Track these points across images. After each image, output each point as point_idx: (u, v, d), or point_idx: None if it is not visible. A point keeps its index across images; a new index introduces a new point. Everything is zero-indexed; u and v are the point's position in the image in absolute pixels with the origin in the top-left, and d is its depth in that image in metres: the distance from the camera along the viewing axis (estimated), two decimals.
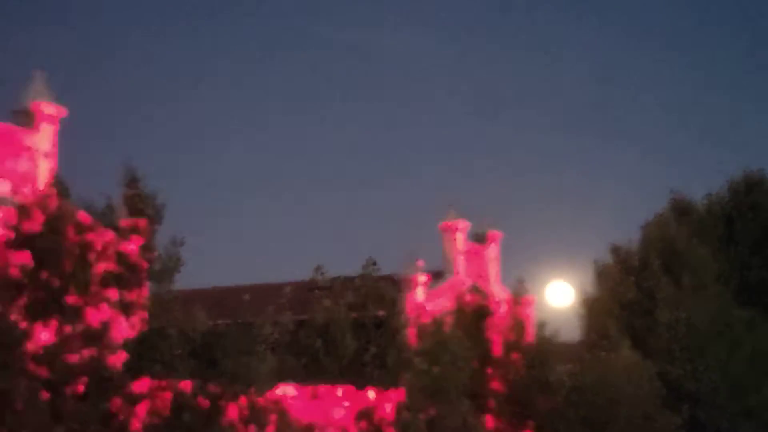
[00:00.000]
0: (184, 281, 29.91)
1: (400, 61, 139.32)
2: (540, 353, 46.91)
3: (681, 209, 56.72)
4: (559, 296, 62.04)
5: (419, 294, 54.29)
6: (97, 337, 27.78)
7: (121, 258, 28.15)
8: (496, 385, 46.67)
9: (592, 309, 51.68)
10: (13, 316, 27.13)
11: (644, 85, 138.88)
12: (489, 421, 43.13)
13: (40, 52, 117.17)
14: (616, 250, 54.44)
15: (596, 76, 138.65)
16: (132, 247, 28.41)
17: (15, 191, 28.40)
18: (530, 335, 48.80)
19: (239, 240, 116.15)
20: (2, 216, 28.66)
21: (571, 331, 53.88)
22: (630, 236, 55.10)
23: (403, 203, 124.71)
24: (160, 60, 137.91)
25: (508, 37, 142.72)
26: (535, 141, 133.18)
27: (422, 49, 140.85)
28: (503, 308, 49.88)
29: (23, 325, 27.18)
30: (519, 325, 48.21)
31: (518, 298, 49.84)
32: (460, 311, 46.41)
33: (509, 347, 47.52)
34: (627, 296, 51.31)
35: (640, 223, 55.80)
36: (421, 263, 57.12)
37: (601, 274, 53.30)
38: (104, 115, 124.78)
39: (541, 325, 48.21)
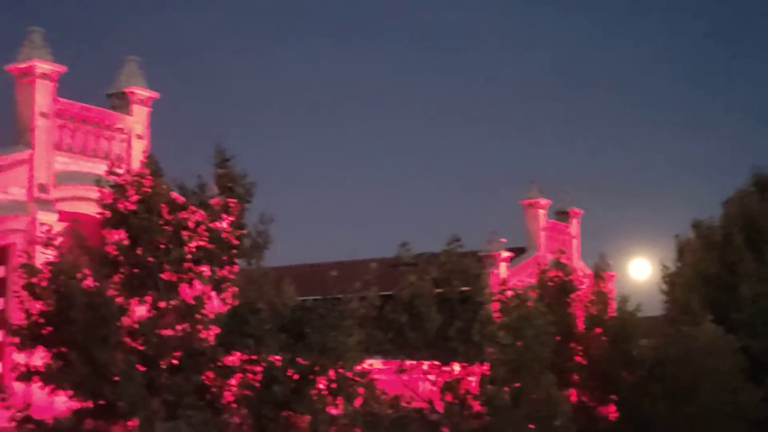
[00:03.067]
0: (273, 258, 30.46)
1: (477, 38, 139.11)
2: (622, 328, 47.00)
3: (763, 185, 56.14)
4: (641, 271, 62.11)
5: (502, 270, 54.68)
6: (190, 312, 28.59)
7: (213, 235, 28.87)
8: (579, 359, 46.91)
9: (675, 284, 51.56)
10: (110, 292, 28.05)
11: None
12: (573, 394, 43.41)
13: (133, 37, 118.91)
14: (698, 226, 54.24)
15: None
16: (223, 224, 29.13)
17: (110, 172, 29.16)
18: (612, 310, 48.90)
19: (327, 217, 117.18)
20: (99, 196, 29.56)
21: (654, 306, 53.91)
22: (712, 212, 54.86)
23: (485, 181, 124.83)
24: (249, 42, 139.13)
25: (604, 17, 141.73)
26: (616, 117, 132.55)
27: (500, 26, 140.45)
28: (585, 283, 50.04)
29: (119, 300, 28.13)
30: (602, 300, 48.32)
31: (600, 273, 49.93)
32: (542, 286, 46.65)
33: (592, 322, 47.69)
34: (709, 271, 51.13)
35: (722, 199, 55.46)
36: (503, 240, 57.49)
37: (684, 249, 53.15)
38: (196, 97, 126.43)
39: (624, 300, 48.26)
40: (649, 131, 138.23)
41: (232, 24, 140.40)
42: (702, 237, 53.35)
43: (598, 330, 47.51)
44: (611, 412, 47.94)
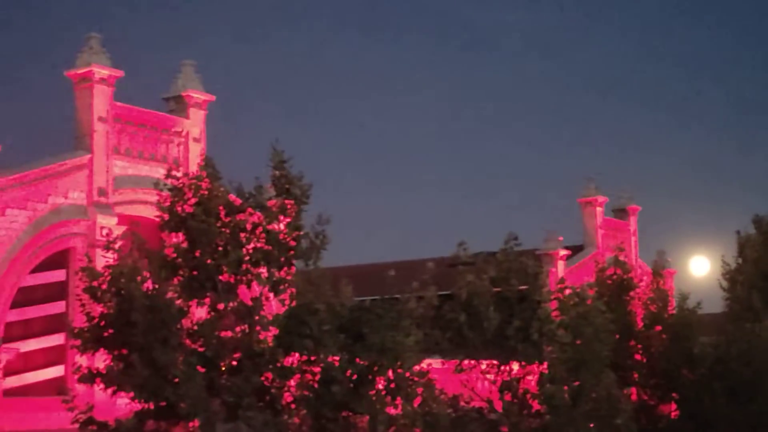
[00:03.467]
0: (330, 258, 30.50)
1: (528, 37, 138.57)
2: (683, 325, 46.59)
3: None
4: (701, 268, 61.56)
5: (560, 268, 54.42)
6: (249, 313, 28.74)
7: (270, 237, 28.97)
8: (638, 357, 46.56)
9: (735, 280, 51.02)
10: (170, 294, 28.26)
11: None
12: (633, 393, 43.09)
13: (188, 41, 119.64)
14: (759, 221, 53.62)
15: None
16: (280, 226, 29.22)
17: (168, 175, 29.37)
18: (672, 307, 48.49)
19: (385, 217, 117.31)
20: (157, 199, 29.79)
21: (714, 303, 53.39)
22: None
23: (542, 179, 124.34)
24: (302, 46, 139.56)
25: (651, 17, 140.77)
26: (677, 111, 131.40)
27: (550, 25, 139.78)
28: (644, 281, 49.67)
29: (179, 302, 28.33)
30: (661, 298, 47.94)
31: (660, 271, 49.54)
32: (601, 284, 46.36)
33: (651, 320, 47.32)
34: None
35: None
36: (561, 238, 57.24)
37: (744, 245, 52.56)
38: (251, 100, 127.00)
39: (683, 297, 47.85)
40: (709, 126, 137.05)
41: (284, 21, 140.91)
42: (763, 233, 52.74)
43: (658, 328, 47.14)
44: (672, 410, 47.57)
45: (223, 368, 28.21)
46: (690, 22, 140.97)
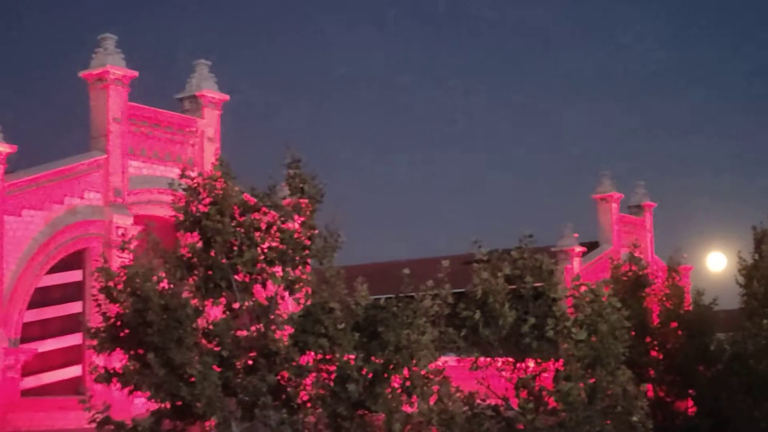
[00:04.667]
0: (345, 257, 30.49)
1: (537, 37, 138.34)
2: (699, 322, 46.53)
3: None
4: (718, 264, 61.43)
5: (576, 265, 54.39)
6: (264, 312, 28.78)
7: (285, 236, 29.00)
8: (655, 354, 46.51)
9: (752, 276, 50.82)
10: (185, 294, 28.31)
11: None
12: (649, 389, 43.02)
13: (203, 41, 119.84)
14: None
15: None
16: (295, 225, 29.26)
17: (183, 175, 29.45)
18: (688, 304, 48.43)
19: (399, 216, 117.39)
20: (172, 199, 29.86)
21: (731, 299, 53.24)
22: None
23: (558, 176, 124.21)
24: (315, 46, 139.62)
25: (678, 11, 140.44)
26: (692, 108, 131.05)
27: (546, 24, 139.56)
28: (660, 277, 49.61)
29: (194, 302, 28.36)
30: (677, 294, 47.88)
31: (676, 267, 49.47)
32: (617, 281, 46.32)
33: (668, 316, 47.27)
34: None
35: None
36: (576, 235, 57.21)
37: (761, 241, 52.33)
38: (266, 99, 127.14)
39: (700, 294, 47.78)
40: (725, 122, 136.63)
41: (297, 22, 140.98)
42: None
43: (674, 324, 47.12)
44: (689, 407, 47.51)
45: (239, 367, 28.25)
46: (708, 16, 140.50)
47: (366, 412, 28.59)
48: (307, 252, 29.30)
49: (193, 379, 27.09)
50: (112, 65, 38.99)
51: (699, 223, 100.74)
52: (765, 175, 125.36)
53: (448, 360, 32.78)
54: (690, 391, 46.77)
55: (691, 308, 47.94)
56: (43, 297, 38.42)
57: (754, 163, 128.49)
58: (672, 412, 47.04)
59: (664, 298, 47.76)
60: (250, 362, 28.40)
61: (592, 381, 33.94)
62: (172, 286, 28.06)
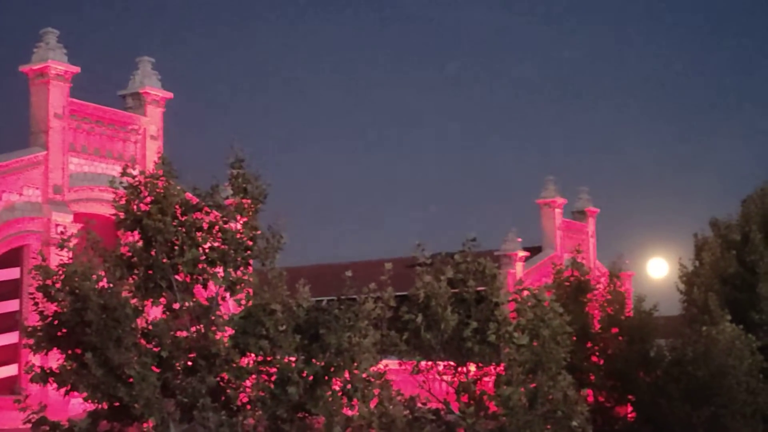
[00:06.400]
0: (287, 258, 30.31)
1: (480, 36, 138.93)
2: (640, 328, 46.80)
3: None
4: (659, 270, 61.89)
5: (518, 269, 54.51)
6: (204, 313, 28.51)
7: (227, 236, 28.76)
8: (595, 359, 46.70)
9: (693, 283, 51.27)
10: (125, 294, 27.96)
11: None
12: (590, 395, 43.18)
13: (144, 38, 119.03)
14: (716, 224, 53.91)
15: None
16: (237, 225, 29.03)
17: (124, 173, 29.10)
18: (629, 310, 48.69)
19: (342, 218, 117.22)
20: (113, 197, 29.50)
21: (671, 306, 53.68)
22: (730, 210, 54.58)
23: (501, 180, 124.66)
24: (264, 45, 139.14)
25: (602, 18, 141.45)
26: (634, 114, 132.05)
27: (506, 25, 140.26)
28: (602, 283, 49.84)
29: (134, 302, 28.02)
30: (618, 300, 48.13)
31: (617, 273, 49.72)
32: (559, 286, 46.46)
33: (609, 322, 47.49)
34: (728, 270, 50.78)
35: (741, 197, 55.17)
36: (519, 239, 57.38)
37: (702, 248, 52.82)
38: (209, 97, 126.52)
39: (640, 300, 48.07)
40: (667, 128, 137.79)
41: (244, 22, 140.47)
42: (720, 236, 53.02)
43: (615, 330, 47.35)
44: (629, 412, 47.76)
45: (178, 368, 27.96)
46: (646, 21, 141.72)
47: (306, 414, 28.40)
48: (249, 253, 29.08)
49: (131, 380, 26.76)
50: (53, 60, 38.53)
51: (641, 230, 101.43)
52: (707, 183, 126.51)
53: (390, 363, 32.66)
54: (630, 397, 47.00)
55: (632, 314, 48.20)
56: None
57: (697, 171, 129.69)
58: (612, 417, 47.27)
59: (606, 304, 48.00)
60: (190, 363, 28.10)
61: (533, 386, 33.97)
62: (111, 285, 27.70)
